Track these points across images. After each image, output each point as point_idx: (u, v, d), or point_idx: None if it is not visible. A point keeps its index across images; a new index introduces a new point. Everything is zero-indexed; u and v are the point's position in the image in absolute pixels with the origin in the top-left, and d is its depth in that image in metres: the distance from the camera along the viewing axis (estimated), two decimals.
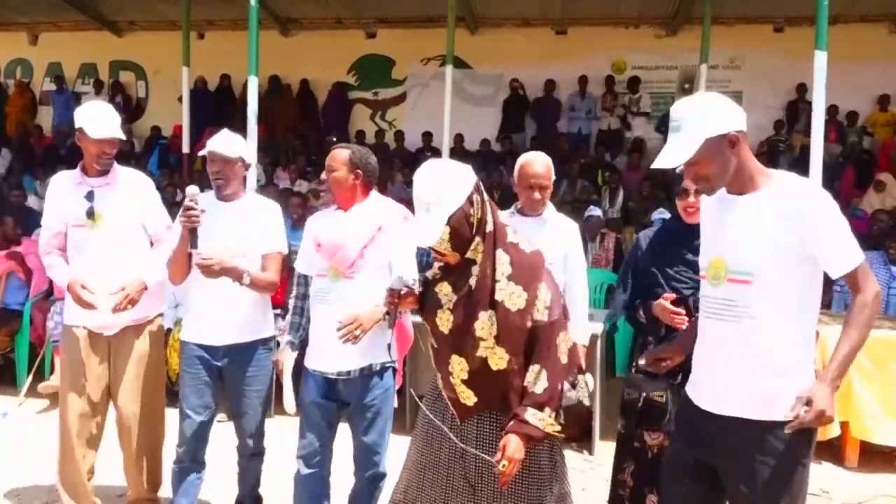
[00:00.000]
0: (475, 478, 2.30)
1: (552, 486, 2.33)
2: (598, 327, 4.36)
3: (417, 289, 2.39)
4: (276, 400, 5.27)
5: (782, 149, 9.79)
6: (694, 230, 2.42)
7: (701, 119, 1.97)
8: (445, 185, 2.15)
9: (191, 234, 2.84)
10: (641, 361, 2.51)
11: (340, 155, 2.91)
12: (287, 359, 3.05)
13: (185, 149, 8.91)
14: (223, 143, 3.07)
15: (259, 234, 3.11)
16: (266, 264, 3.11)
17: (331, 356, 2.82)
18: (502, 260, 2.21)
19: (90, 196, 3.15)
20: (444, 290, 2.29)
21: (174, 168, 10.02)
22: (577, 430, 2.38)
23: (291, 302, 3.14)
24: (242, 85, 9.39)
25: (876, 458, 4.53)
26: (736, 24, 9.96)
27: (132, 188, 3.24)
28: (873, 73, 9.62)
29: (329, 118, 11.40)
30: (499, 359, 2.21)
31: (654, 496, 2.87)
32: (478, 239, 2.20)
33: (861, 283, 1.97)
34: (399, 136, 10.77)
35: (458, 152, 9.30)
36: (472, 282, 2.21)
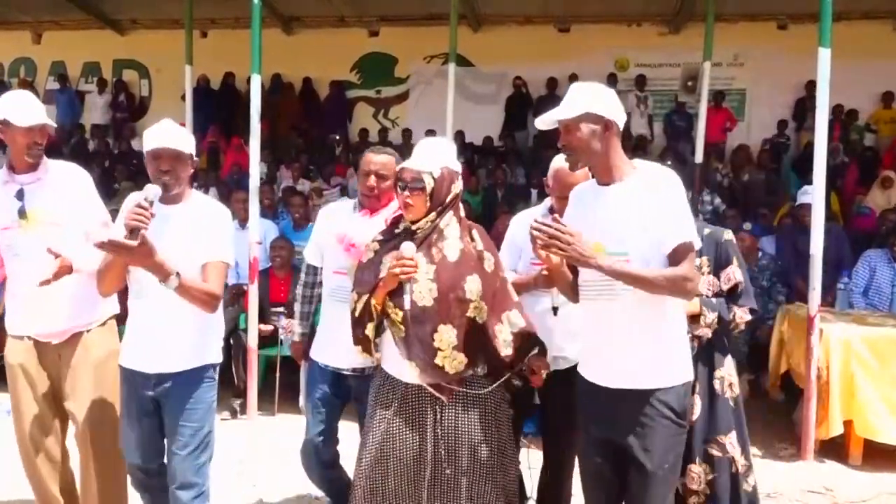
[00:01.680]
0: (447, 463, 2.46)
1: (509, 469, 2.58)
2: None
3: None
4: (280, 398, 5.31)
5: (788, 146, 9.80)
6: None
7: (591, 97, 2.25)
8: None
9: (131, 236, 2.40)
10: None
11: (392, 163, 2.89)
12: (304, 360, 3.06)
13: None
14: (174, 136, 2.65)
15: (202, 241, 2.65)
16: (206, 274, 2.63)
17: (346, 352, 2.79)
18: (475, 234, 2.56)
19: (20, 195, 2.88)
20: (421, 267, 2.43)
21: None
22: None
23: (300, 290, 3.15)
24: (245, 83, 9.42)
25: (880, 456, 4.52)
26: (739, 21, 9.94)
27: (66, 182, 2.94)
28: (877, 70, 9.59)
29: (331, 117, 11.41)
30: (482, 312, 2.46)
31: None
32: (451, 213, 2.52)
33: (684, 263, 2.16)
34: (406, 133, 10.75)
35: (461, 150, 9.30)
36: (456, 252, 2.47)
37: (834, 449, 4.59)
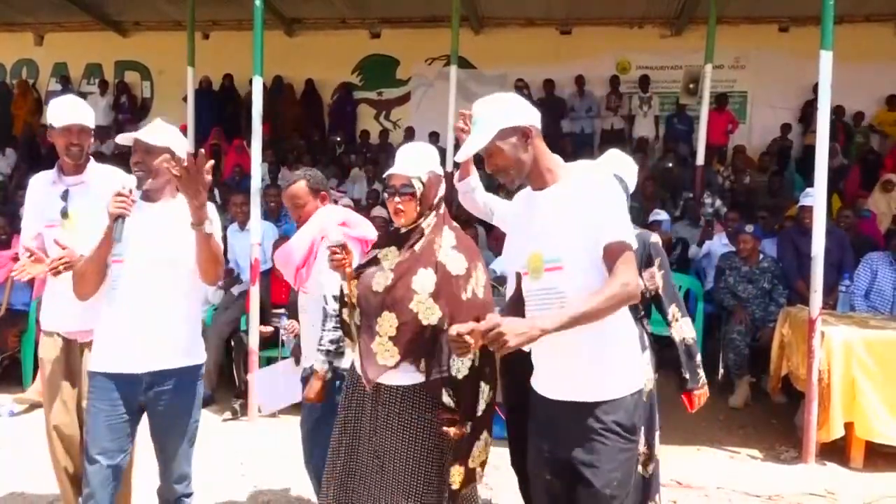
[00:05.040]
0: (384, 455, 2.44)
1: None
2: None
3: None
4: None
5: (790, 145, 9.82)
6: None
7: (494, 113, 2.15)
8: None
9: (115, 224, 2.50)
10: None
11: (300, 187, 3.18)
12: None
13: (190, 148, 8.91)
14: (147, 130, 2.73)
15: (189, 238, 2.62)
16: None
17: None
18: (448, 235, 2.51)
19: (65, 195, 3.05)
20: (389, 256, 2.50)
21: None
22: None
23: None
24: (247, 85, 9.43)
25: (881, 458, 4.52)
26: (741, 23, 9.95)
27: (106, 186, 2.91)
28: (878, 72, 9.59)
29: (337, 118, 11.42)
30: (431, 314, 2.39)
31: None
32: (433, 214, 2.50)
33: (620, 265, 2.02)
34: (408, 135, 10.75)
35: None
36: (418, 246, 2.46)
37: (835, 451, 4.58)
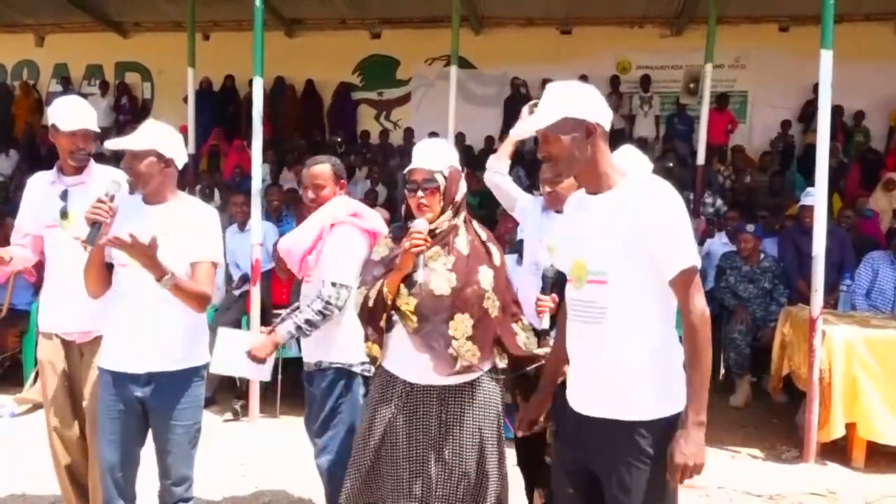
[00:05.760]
0: (452, 461, 2.49)
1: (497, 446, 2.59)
2: None
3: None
4: (282, 400, 5.31)
5: (792, 144, 9.81)
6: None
7: (564, 99, 2.03)
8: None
9: (90, 229, 2.50)
10: (520, 433, 2.55)
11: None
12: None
13: (191, 149, 8.92)
14: (133, 134, 2.70)
15: (187, 241, 2.67)
16: (196, 274, 2.68)
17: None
18: (479, 229, 2.62)
19: (64, 195, 3.02)
20: (438, 258, 2.48)
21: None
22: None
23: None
24: (247, 85, 9.43)
25: (883, 458, 4.52)
26: (741, 23, 9.94)
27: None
28: (879, 72, 9.58)
29: (337, 118, 11.42)
30: (494, 307, 2.51)
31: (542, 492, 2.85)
32: (462, 211, 2.57)
33: (689, 292, 1.94)
34: (408, 135, 10.74)
35: (462, 152, 9.30)
36: (467, 246, 2.52)
37: (836, 451, 4.58)
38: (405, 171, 2.57)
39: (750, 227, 6.00)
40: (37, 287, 5.69)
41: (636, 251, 1.94)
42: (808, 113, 10.05)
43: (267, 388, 5.38)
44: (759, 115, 10.66)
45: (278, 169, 9.99)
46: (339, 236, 2.94)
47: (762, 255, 6.02)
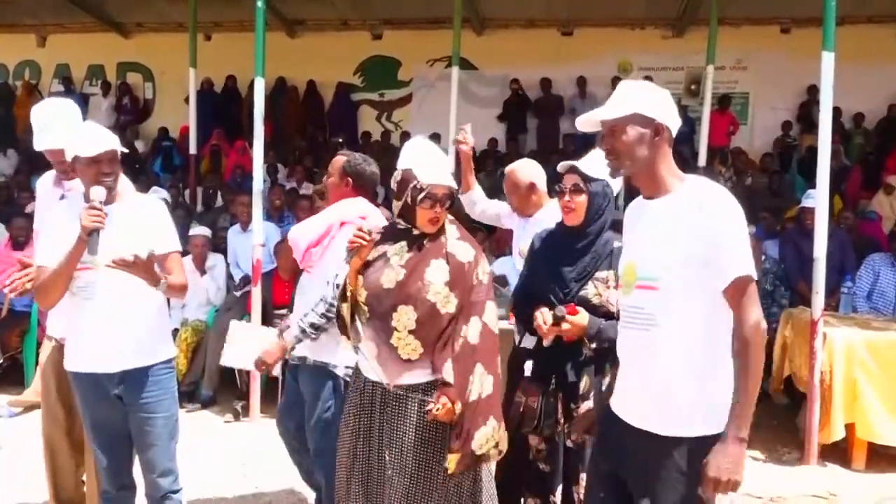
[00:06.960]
0: (399, 453, 2.43)
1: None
2: None
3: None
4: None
5: (794, 145, 9.80)
6: (574, 233, 2.60)
7: (637, 95, 2.01)
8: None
9: (89, 238, 2.53)
10: (573, 436, 2.54)
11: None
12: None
13: (192, 150, 8.94)
14: (109, 138, 2.66)
15: (152, 235, 2.74)
16: (169, 266, 2.76)
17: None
18: (450, 227, 2.54)
19: (62, 200, 3.07)
20: (399, 253, 2.48)
21: (179, 169, 10.07)
22: None
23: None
24: (248, 86, 9.44)
25: (883, 459, 4.52)
26: (742, 25, 9.94)
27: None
28: (881, 73, 9.58)
29: (337, 119, 11.43)
30: (447, 302, 2.42)
31: (533, 500, 2.79)
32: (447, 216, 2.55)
33: (742, 303, 1.88)
34: (407, 137, 10.73)
35: None
36: (426, 241, 2.48)
37: (837, 453, 4.58)
38: (423, 182, 2.46)
39: (751, 229, 6.00)
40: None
41: (689, 257, 1.89)
42: (804, 114, 10.06)
43: (267, 389, 5.38)
44: (761, 116, 10.66)
45: (278, 170, 9.99)
46: (346, 236, 2.95)
47: (763, 257, 6.01)
